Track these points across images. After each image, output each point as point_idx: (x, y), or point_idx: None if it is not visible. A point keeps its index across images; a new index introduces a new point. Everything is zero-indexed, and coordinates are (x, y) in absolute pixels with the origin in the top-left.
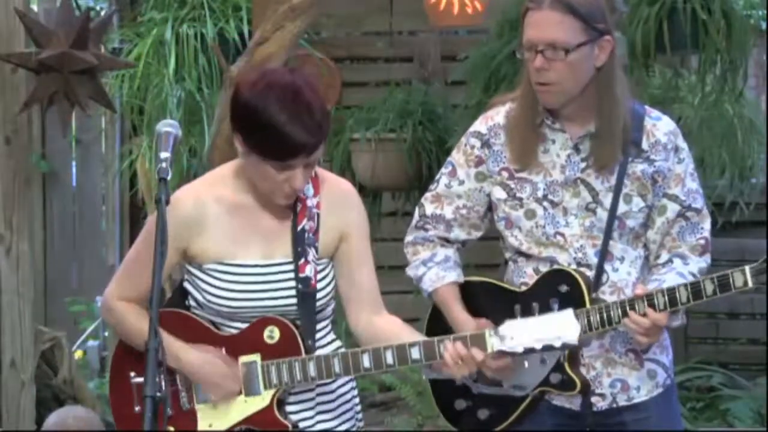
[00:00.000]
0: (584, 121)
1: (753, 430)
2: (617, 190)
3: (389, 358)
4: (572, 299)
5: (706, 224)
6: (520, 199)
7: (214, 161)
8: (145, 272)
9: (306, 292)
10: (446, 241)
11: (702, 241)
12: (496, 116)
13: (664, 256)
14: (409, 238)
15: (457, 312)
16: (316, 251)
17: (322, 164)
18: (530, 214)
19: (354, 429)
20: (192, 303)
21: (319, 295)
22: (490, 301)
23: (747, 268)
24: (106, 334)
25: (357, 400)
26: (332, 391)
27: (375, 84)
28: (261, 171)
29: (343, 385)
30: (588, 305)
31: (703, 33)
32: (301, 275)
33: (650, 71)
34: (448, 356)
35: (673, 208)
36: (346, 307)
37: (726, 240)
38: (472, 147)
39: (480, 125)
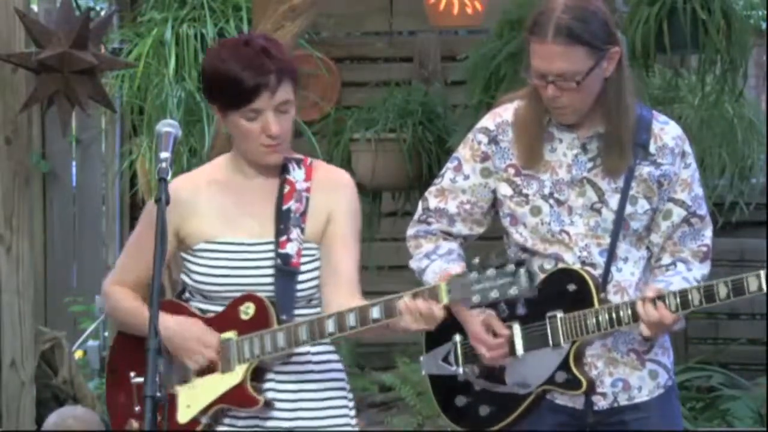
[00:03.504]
0: (592, 123)
1: (753, 430)
2: (625, 192)
3: (352, 320)
4: (580, 299)
5: (708, 231)
6: (526, 196)
7: None
8: (141, 258)
9: (284, 269)
10: (449, 235)
11: (704, 248)
12: (504, 113)
13: (666, 259)
14: (411, 231)
15: None
16: (302, 232)
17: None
18: (536, 211)
19: (340, 401)
20: (187, 295)
21: (302, 277)
22: None
23: (762, 272)
24: (106, 334)
25: (344, 375)
26: (319, 366)
27: (375, 84)
28: (239, 129)
29: (328, 360)
30: (597, 305)
31: (703, 33)
32: (281, 251)
33: (650, 71)
34: (405, 309)
35: (678, 213)
36: (321, 289)
37: (726, 240)
38: (479, 143)
39: (488, 121)
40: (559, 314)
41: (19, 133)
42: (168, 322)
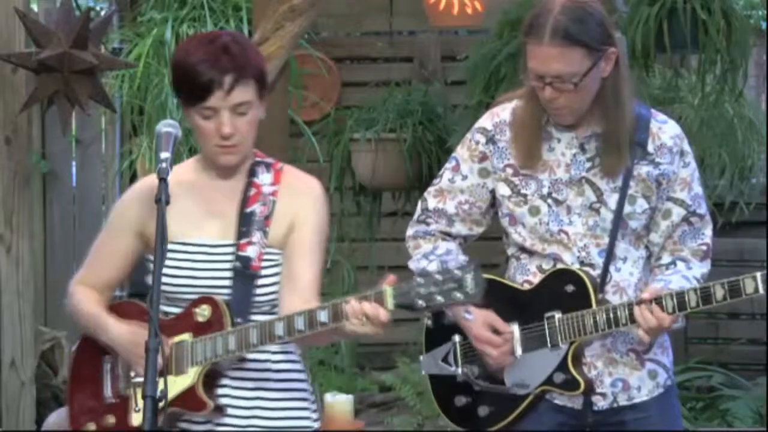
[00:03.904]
0: (590, 122)
1: (753, 430)
2: (623, 191)
3: (300, 323)
4: (578, 299)
5: (708, 230)
6: (525, 196)
7: None
8: (106, 259)
9: (243, 271)
10: (448, 236)
11: (704, 247)
12: (502, 113)
13: (666, 258)
14: (410, 231)
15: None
16: (265, 236)
17: (321, 164)
18: (534, 211)
19: (300, 412)
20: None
21: (263, 281)
22: (494, 298)
23: (758, 274)
24: None
25: (307, 383)
26: (278, 375)
27: (375, 84)
28: (196, 127)
29: (289, 370)
30: (594, 306)
31: (703, 33)
32: (241, 253)
33: (650, 71)
34: (351, 312)
35: (678, 212)
36: (280, 296)
37: (726, 240)
38: (477, 143)
39: (486, 121)
40: (557, 315)
41: (19, 133)
42: (119, 329)
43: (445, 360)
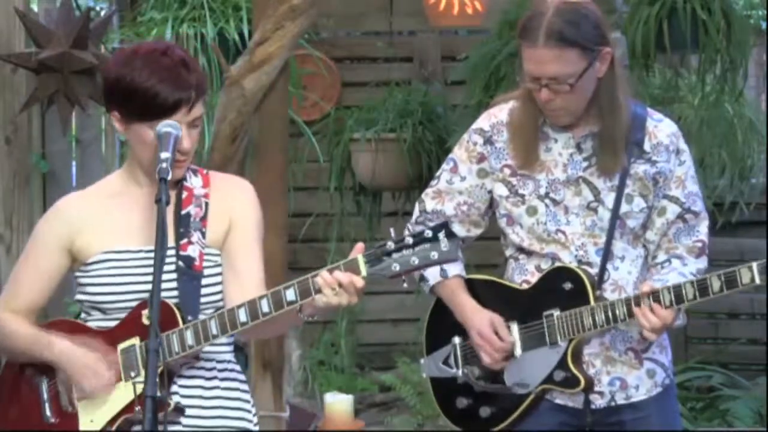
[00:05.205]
0: (587, 122)
1: (753, 430)
2: (620, 190)
3: (265, 306)
4: (576, 297)
5: (703, 227)
6: (522, 196)
7: (214, 161)
8: (30, 282)
9: (187, 271)
10: None
11: (699, 244)
12: (500, 113)
13: (662, 257)
14: None
15: (467, 302)
16: (203, 236)
17: (321, 164)
18: (532, 211)
19: (242, 413)
20: (83, 315)
21: (206, 281)
22: (494, 299)
23: (754, 264)
24: None
25: (246, 384)
26: (223, 374)
27: (375, 84)
28: (144, 140)
29: (232, 369)
30: (593, 303)
31: (703, 33)
32: (183, 253)
33: (650, 71)
34: (323, 283)
35: (673, 210)
36: (226, 294)
37: (726, 240)
38: (475, 144)
39: (483, 122)
40: (556, 313)
41: (19, 133)
42: (62, 344)
43: (445, 362)
